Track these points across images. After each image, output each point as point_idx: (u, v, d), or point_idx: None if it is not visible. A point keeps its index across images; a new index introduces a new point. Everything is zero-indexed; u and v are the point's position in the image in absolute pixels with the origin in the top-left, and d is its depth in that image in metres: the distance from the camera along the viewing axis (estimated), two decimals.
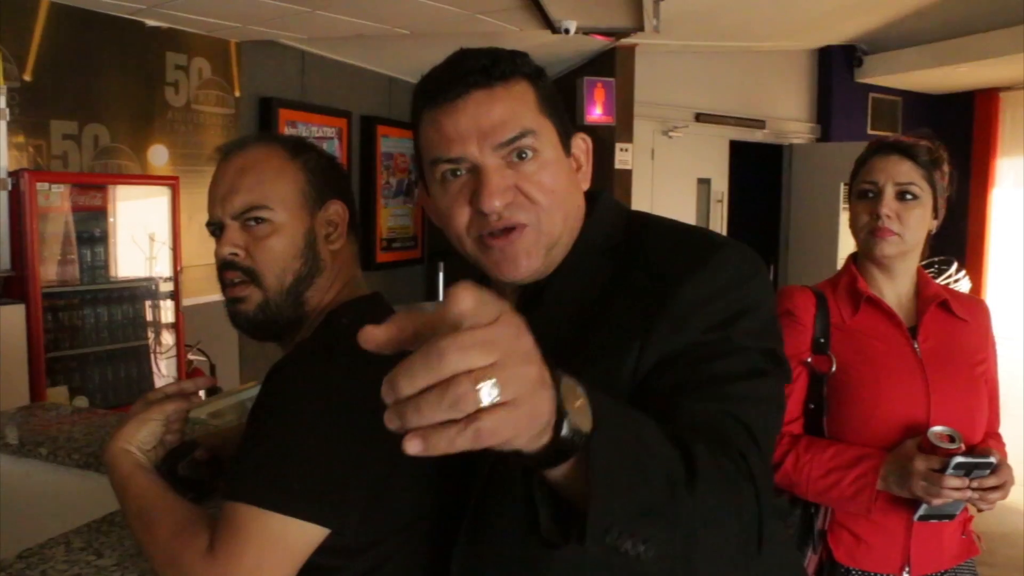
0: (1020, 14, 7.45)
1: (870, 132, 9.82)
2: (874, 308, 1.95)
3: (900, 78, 9.49)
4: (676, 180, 8.79)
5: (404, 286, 8.11)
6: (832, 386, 1.86)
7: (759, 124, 9.31)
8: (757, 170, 10.02)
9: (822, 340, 1.90)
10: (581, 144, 1.23)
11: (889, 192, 1.93)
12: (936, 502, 1.71)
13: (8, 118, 4.32)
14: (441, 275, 7.99)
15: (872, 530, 1.84)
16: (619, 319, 1.04)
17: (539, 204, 1.11)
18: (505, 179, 1.08)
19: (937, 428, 1.73)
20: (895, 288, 1.99)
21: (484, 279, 1.26)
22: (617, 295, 1.08)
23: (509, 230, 1.10)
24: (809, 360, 1.89)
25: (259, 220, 1.27)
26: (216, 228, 1.31)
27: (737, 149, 9.29)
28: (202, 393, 4.93)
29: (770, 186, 9.98)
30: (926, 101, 10.30)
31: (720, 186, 9.21)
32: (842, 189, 9.27)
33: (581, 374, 0.79)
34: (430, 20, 5.63)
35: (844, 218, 9.30)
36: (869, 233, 1.95)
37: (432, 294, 8.27)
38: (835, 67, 9.56)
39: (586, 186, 1.23)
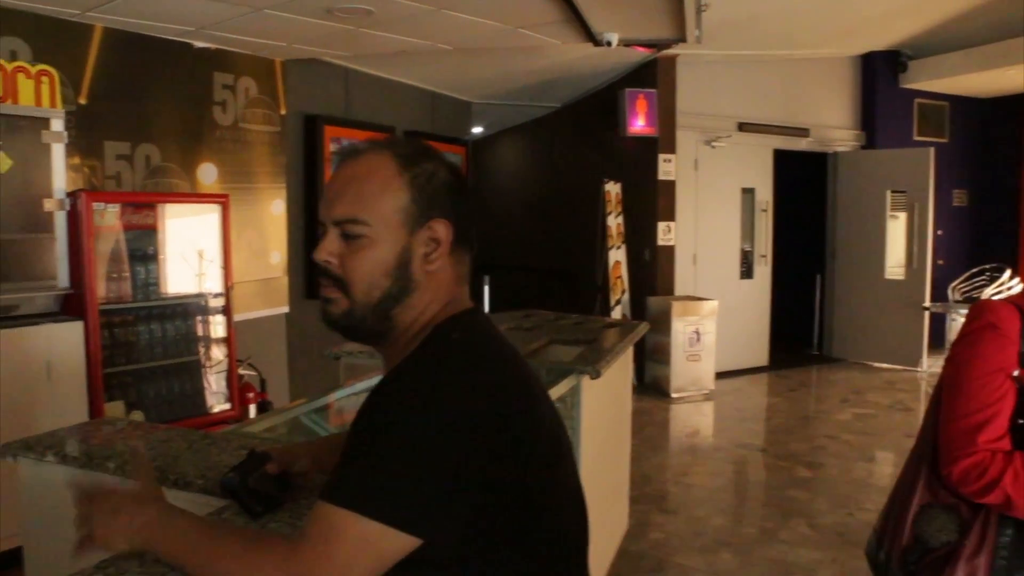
0: None
1: (916, 138, 9.70)
2: None
3: (947, 82, 9.36)
4: (720, 190, 8.74)
5: None
6: None
7: (803, 132, 9.23)
8: (802, 179, 9.92)
9: None
10: None
11: None
12: None
13: (66, 140, 4.41)
14: (486, 288, 8.02)
15: None
16: None
17: None
18: None
19: None
20: None
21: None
22: None
23: None
24: (1016, 374, 1.85)
25: (355, 234, 1.26)
26: (321, 228, 1.31)
27: (781, 158, 9.21)
28: (252, 408, 4.99)
29: (815, 195, 9.88)
30: (975, 105, 10.14)
31: (764, 195, 9.13)
32: (888, 196, 9.16)
33: None
34: (473, 36, 5.67)
35: (891, 226, 9.19)
36: None
37: None
38: (879, 73, 9.45)
39: None
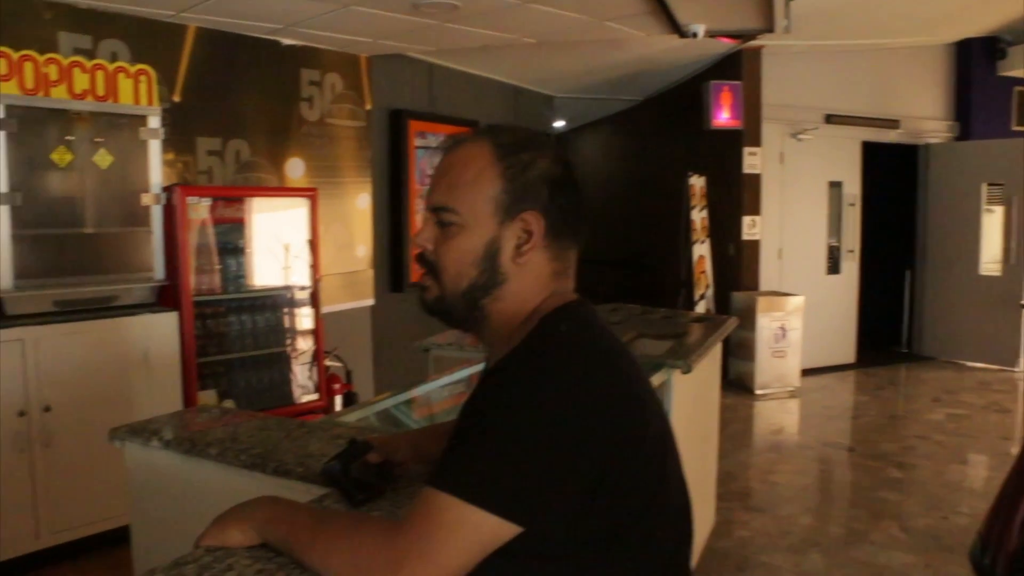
0: None
1: (1015, 128, 9.31)
2: None
3: None
4: (806, 184, 8.55)
5: None
6: None
7: (893, 124, 8.96)
8: (891, 172, 9.63)
9: None
10: None
11: None
12: None
13: (162, 137, 4.55)
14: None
15: None
16: None
17: None
18: None
19: None
20: None
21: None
22: None
23: None
24: None
25: (447, 221, 1.28)
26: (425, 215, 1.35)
27: (870, 150, 8.96)
28: (338, 399, 5.09)
29: (905, 188, 9.58)
30: None
31: (852, 189, 8.90)
32: (984, 190, 8.83)
33: None
34: (557, 29, 5.65)
35: (986, 220, 8.86)
36: None
37: None
38: (975, 60, 9.10)
39: None
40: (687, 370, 3.20)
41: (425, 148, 6.95)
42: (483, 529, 1.09)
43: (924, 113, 9.18)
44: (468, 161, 1.29)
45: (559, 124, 10.78)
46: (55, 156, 4.15)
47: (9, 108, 3.92)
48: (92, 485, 4.06)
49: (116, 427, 2.17)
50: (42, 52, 4.10)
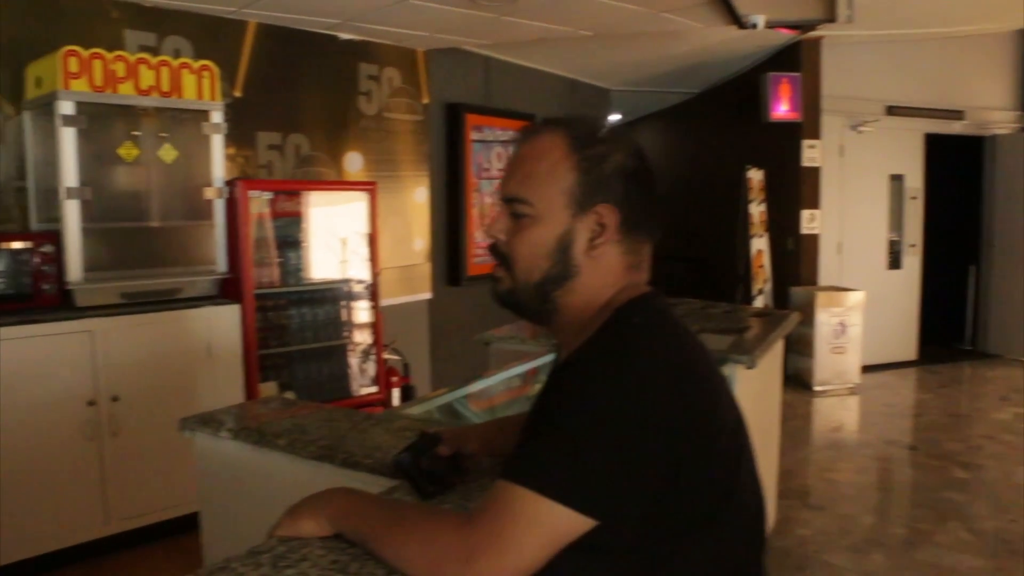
0: None
1: None
2: None
3: None
4: (867, 177, 8.39)
5: None
6: None
7: (957, 115, 8.74)
8: (955, 164, 9.40)
9: None
10: None
11: None
12: None
13: (224, 132, 4.61)
14: None
15: None
16: None
17: None
18: None
19: None
20: None
21: None
22: None
23: None
24: None
25: (520, 213, 1.28)
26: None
27: (933, 142, 8.76)
28: (396, 392, 5.11)
29: (970, 181, 9.34)
30: None
31: (914, 182, 8.70)
32: None
33: None
34: (614, 21, 5.62)
35: None
36: None
37: None
38: None
39: None
40: (751, 365, 3.16)
41: (482, 142, 6.96)
42: (558, 523, 1.08)
43: (991, 103, 8.94)
44: (543, 153, 1.28)
45: (615, 117, 10.72)
46: (122, 151, 4.23)
47: (79, 105, 4.01)
48: (159, 473, 4.15)
49: (186, 417, 2.21)
50: (110, 50, 4.18)
